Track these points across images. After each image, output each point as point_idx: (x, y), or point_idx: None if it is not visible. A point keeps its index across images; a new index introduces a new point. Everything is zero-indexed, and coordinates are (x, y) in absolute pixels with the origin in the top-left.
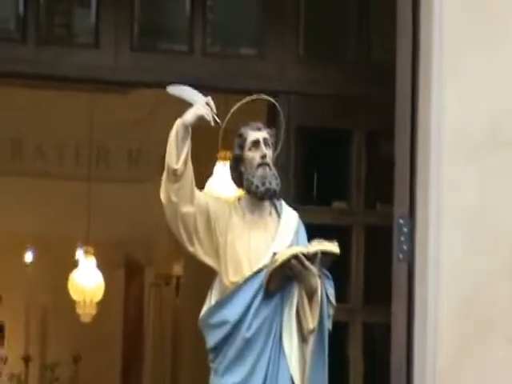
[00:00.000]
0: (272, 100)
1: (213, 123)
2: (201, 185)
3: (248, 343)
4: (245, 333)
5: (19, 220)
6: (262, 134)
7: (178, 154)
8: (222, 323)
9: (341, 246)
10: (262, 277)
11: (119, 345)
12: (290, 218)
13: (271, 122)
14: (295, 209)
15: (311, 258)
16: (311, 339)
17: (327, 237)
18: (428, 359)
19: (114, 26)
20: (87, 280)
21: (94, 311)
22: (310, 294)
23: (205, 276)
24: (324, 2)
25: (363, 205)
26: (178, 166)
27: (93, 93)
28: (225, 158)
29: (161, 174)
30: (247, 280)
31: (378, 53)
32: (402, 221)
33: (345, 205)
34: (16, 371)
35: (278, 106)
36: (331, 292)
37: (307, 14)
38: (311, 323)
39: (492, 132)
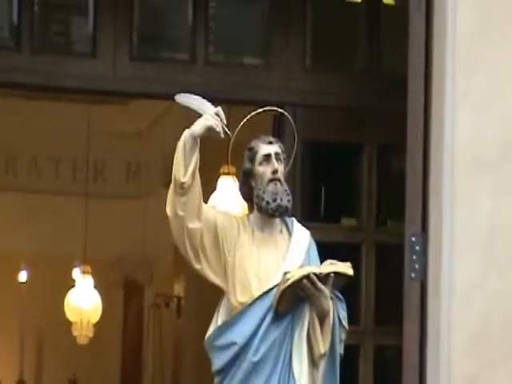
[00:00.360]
0: (285, 113)
1: (222, 135)
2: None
3: (256, 366)
4: (252, 357)
5: (13, 237)
6: (273, 148)
7: (185, 166)
8: (229, 345)
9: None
10: (272, 297)
11: (117, 368)
12: (301, 236)
13: (276, 134)
14: (302, 226)
15: (323, 279)
16: (322, 364)
17: (336, 255)
18: (441, 383)
19: (112, 34)
20: (84, 300)
21: (91, 333)
22: (322, 317)
23: (207, 296)
24: (332, 8)
25: (374, 221)
26: (186, 178)
27: (90, 104)
28: (228, 173)
29: (161, 189)
30: (256, 300)
31: (388, 61)
32: (414, 238)
33: (354, 221)
34: None
35: (290, 120)
36: (344, 315)
37: (314, 20)
38: (322, 347)
39: (506, 148)
